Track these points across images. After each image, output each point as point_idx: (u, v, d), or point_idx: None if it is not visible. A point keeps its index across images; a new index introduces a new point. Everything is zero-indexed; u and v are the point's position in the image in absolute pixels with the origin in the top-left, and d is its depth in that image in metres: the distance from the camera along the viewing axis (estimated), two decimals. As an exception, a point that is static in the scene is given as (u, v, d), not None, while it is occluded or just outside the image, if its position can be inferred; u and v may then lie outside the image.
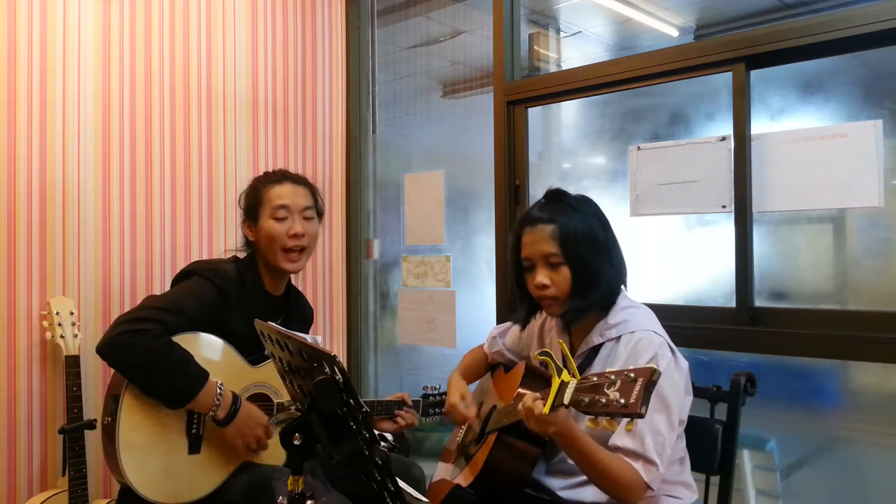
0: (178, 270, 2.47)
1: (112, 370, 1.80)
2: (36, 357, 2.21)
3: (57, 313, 2.15)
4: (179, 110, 2.57)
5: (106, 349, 1.70)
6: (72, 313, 2.18)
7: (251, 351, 1.90)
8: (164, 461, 1.75)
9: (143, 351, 1.68)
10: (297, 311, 2.13)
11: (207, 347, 1.83)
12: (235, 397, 1.79)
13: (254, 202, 1.98)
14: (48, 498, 2.09)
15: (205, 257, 2.60)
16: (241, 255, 2.03)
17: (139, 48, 2.47)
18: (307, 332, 2.20)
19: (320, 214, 2.05)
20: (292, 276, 2.08)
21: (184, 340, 1.77)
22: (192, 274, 1.89)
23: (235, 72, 2.74)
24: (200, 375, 1.74)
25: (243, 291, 1.91)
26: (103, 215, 2.37)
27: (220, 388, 1.76)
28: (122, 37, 2.43)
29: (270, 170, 2.08)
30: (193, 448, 1.80)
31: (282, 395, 1.92)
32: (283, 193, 1.96)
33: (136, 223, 2.45)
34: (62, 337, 2.13)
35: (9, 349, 2.16)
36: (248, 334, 1.88)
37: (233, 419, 1.78)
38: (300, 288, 2.92)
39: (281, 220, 1.93)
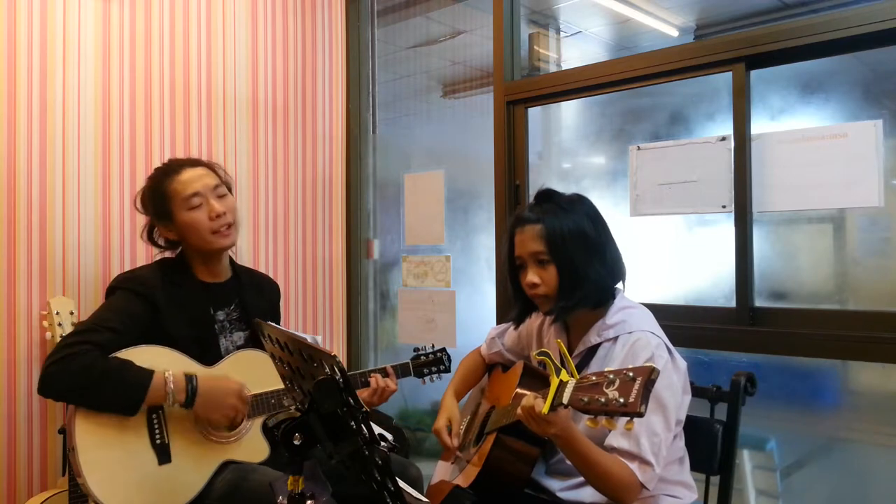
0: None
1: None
2: (36, 357, 2.21)
3: (57, 313, 2.15)
4: (179, 110, 2.57)
5: (42, 387, 1.67)
6: (72, 313, 2.18)
7: (205, 349, 1.85)
8: (134, 477, 1.69)
9: (76, 370, 1.64)
10: (256, 294, 2.04)
11: (152, 358, 1.74)
12: (189, 376, 1.72)
13: (161, 201, 1.88)
14: (48, 498, 2.08)
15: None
16: (169, 255, 1.97)
17: (139, 48, 2.47)
18: (277, 311, 2.15)
19: (230, 188, 1.97)
20: (233, 258, 2.02)
21: (124, 355, 1.71)
22: (113, 290, 1.83)
23: (235, 72, 2.74)
24: (144, 373, 1.69)
25: (172, 290, 1.85)
26: (103, 215, 2.37)
27: (168, 375, 1.70)
28: (122, 37, 2.43)
29: (159, 165, 1.98)
30: (163, 458, 1.73)
31: (250, 387, 1.84)
32: (187, 181, 1.87)
33: (136, 223, 2.45)
34: (62, 337, 2.13)
35: (9, 349, 2.16)
36: (193, 333, 1.85)
37: (195, 397, 1.72)
38: (298, 286, 2.94)
39: (197, 207, 1.85)
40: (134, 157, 2.45)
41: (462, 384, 1.96)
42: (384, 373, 2.03)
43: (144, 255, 2.45)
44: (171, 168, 1.92)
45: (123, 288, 1.81)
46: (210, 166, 1.96)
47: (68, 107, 2.30)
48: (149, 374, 1.70)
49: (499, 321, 2.47)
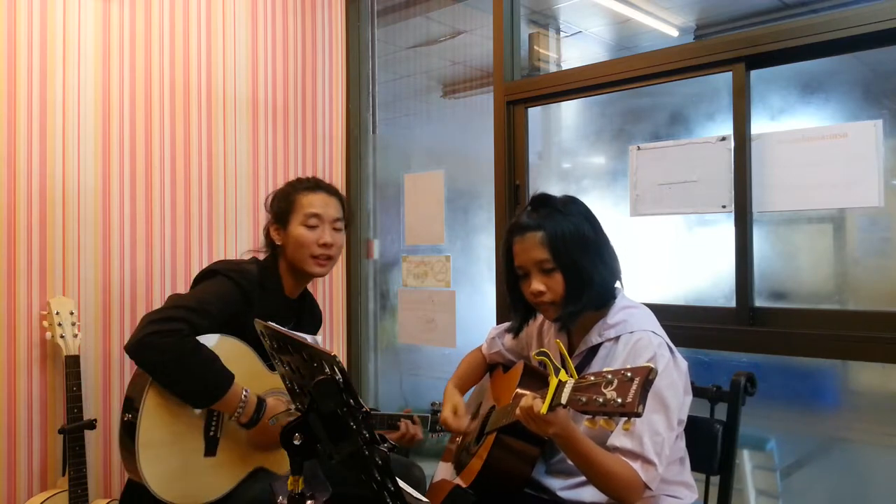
0: (177, 270, 2.47)
1: (132, 369, 1.81)
2: (36, 357, 2.21)
3: (57, 313, 2.15)
4: (179, 110, 2.57)
5: (136, 348, 1.71)
6: (72, 313, 2.18)
7: (265, 358, 1.90)
8: (179, 462, 1.76)
9: (172, 350, 1.69)
10: (310, 315, 2.15)
11: (230, 350, 1.82)
12: (260, 403, 1.80)
13: (285, 207, 1.99)
14: (48, 498, 2.08)
15: (205, 257, 2.60)
16: (261, 256, 2.04)
17: (139, 48, 2.47)
18: (315, 335, 2.22)
19: (348, 225, 2.08)
20: (311, 281, 2.09)
21: (208, 342, 1.78)
22: (215, 273, 1.89)
23: (235, 72, 2.74)
24: (227, 377, 1.75)
25: (263, 293, 1.91)
26: (103, 215, 2.37)
27: (245, 393, 1.77)
28: (122, 37, 2.43)
29: (304, 176, 2.09)
30: (209, 450, 1.80)
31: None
32: (316, 202, 1.98)
33: (136, 223, 2.45)
34: (62, 337, 2.13)
35: (9, 349, 2.16)
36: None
37: (256, 424, 1.80)
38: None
39: (312, 227, 1.95)
40: (134, 157, 2.45)
41: (462, 379, 1.96)
42: (411, 420, 2.05)
43: (144, 255, 2.46)
44: (310, 184, 2.03)
45: (228, 276, 1.87)
46: (342, 200, 2.06)
47: (68, 107, 2.30)
48: (229, 381, 1.75)
49: (499, 321, 2.47)
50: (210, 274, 1.91)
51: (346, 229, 2.08)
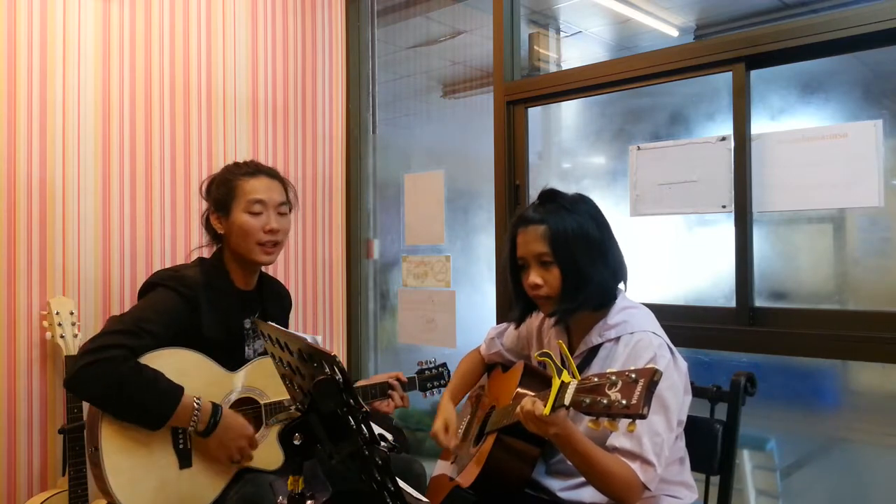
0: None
1: None
2: (36, 357, 2.21)
3: (57, 313, 2.15)
4: (179, 110, 2.57)
5: (72, 383, 1.66)
6: (72, 313, 2.18)
7: (230, 354, 1.86)
8: (156, 481, 1.70)
9: (109, 379, 1.63)
10: (275, 303, 2.07)
11: (180, 362, 1.76)
12: (216, 408, 1.74)
13: (226, 194, 1.90)
14: (48, 498, 2.08)
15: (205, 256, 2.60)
16: (207, 252, 1.98)
17: (139, 48, 2.47)
18: (287, 318, 2.16)
19: (291, 209, 2.00)
20: (262, 267, 2.03)
21: (154, 359, 1.72)
22: (154, 286, 1.82)
23: (235, 72, 2.74)
24: (174, 393, 1.69)
25: (212, 293, 1.85)
26: (103, 215, 2.37)
27: (197, 402, 1.71)
28: (122, 37, 2.43)
29: (241, 160, 2.01)
30: (184, 462, 1.75)
31: (268, 394, 1.89)
32: (258, 188, 1.89)
33: (136, 223, 2.45)
34: (62, 337, 2.13)
35: (9, 349, 2.16)
36: (225, 336, 1.86)
37: (213, 430, 1.73)
38: (298, 286, 2.94)
39: (256, 214, 1.87)
40: (134, 157, 2.45)
41: (460, 387, 1.96)
42: (401, 385, 2.06)
43: (144, 255, 2.46)
44: (249, 169, 1.94)
45: (167, 286, 1.81)
46: (284, 184, 1.98)
47: (68, 107, 2.30)
48: (177, 395, 1.69)
49: (499, 321, 2.47)
50: (149, 287, 1.84)
51: (291, 212, 1.98)
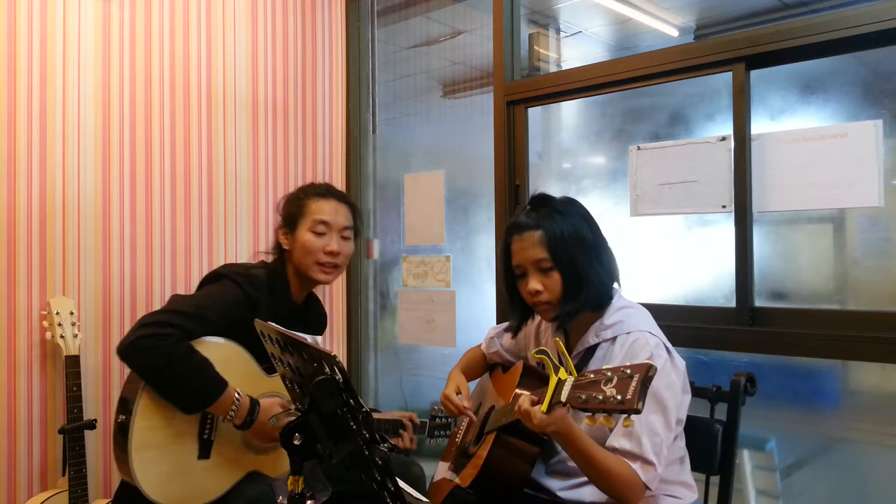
0: (177, 270, 2.47)
1: (124, 371, 1.80)
2: (36, 357, 2.21)
3: (57, 313, 2.15)
4: (179, 110, 2.57)
5: (126, 350, 1.70)
6: (72, 313, 2.18)
7: (269, 358, 1.90)
8: (173, 465, 1.75)
9: (163, 355, 1.68)
10: (316, 319, 2.15)
11: (225, 354, 1.81)
12: (253, 405, 1.79)
13: (294, 211, 1.98)
14: (48, 498, 2.09)
15: (205, 256, 2.60)
16: (269, 259, 2.05)
17: (139, 48, 2.47)
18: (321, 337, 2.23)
19: (357, 235, 2.07)
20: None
21: (203, 346, 1.77)
22: (222, 277, 1.88)
23: (235, 72, 2.74)
24: (219, 383, 1.74)
25: (271, 297, 1.90)
26: (103, 215, 2.37)
27: (237, 395, 1.76)
28: (122, 37, 2.43)
29: (317, 181, 2.11)
30: (203, 453, 1.80)
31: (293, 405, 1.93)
32: (325, 209, 1.97)
33: (136, 223, 2.45)
34: (62, 337, 2.13)
35: (9, 349, 2.16)
36: None
37: (251, 426, 1.79)
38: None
39: (319, 234, 1.95)
40: (134, 157, 2.45)
41: (465, 369, 1.96)
42: (413, 427, 2.09)
43: (144, 255, 2.46)
44: (321, 190, 2.03)
45: (234, 281, 1.86)
46: (353, 210, 2.05)
47: (68, 107, 2.30)
48: (221, 386, 1.74)
49: (499, 321, 2.47)
50: (216, 277, 1.90)
51: (356, 238, 2.06)
